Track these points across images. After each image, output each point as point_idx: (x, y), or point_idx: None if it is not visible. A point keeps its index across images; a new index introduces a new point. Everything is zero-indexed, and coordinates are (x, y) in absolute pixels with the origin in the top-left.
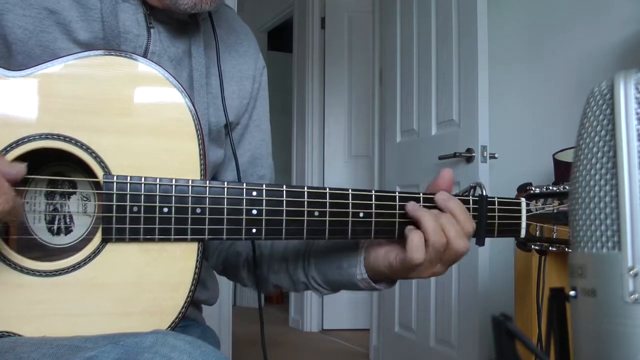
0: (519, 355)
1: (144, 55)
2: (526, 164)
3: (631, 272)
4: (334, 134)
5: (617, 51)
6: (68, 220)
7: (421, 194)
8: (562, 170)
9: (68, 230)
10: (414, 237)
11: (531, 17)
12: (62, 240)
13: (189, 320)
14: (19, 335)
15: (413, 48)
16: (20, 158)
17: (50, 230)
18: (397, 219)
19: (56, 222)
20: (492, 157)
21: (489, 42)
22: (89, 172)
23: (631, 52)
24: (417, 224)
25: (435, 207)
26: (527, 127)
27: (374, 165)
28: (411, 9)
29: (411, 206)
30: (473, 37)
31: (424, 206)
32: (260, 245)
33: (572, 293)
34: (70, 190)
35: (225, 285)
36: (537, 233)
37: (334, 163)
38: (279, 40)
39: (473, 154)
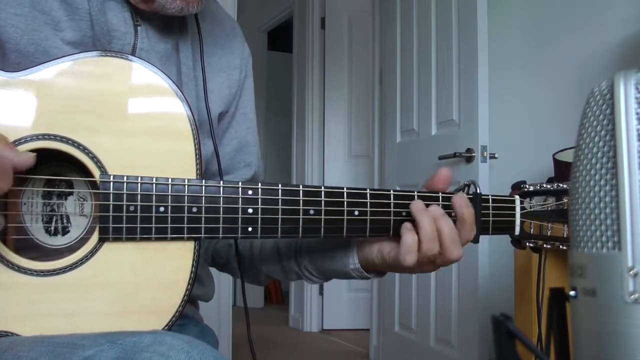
0: (519, 355)
1: (132, 52)
2: (526, 164)
3: (631, 272)
4: (334, 134)
5: (617, 51)
6: (65, 220)
7: (440, 194)
8: (562, 170)
9: (65, 231)
10: (408, 239)
11: (531, 17)
12: (59, 241)
13: (186, 318)
14: (18, 335)
15: (413, 48)
16: None
17: (47, 231)
18: (391, 217)
19: (53, 222)
20: (492, 157)
21: (489, 42)
22: (85, 172)
23: (631, 52)
24: (415, 225)
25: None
26: (527, 127)
27: (374, 165)
28: (411, 9)
29: (415, 206)
30: (473, 37)
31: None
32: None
33: (572, 293)
34: (67, 190)
35: (225, 285)
36: (532, 230)
37: (334, 163)
38: (279, 40)
39: (473, 154)
